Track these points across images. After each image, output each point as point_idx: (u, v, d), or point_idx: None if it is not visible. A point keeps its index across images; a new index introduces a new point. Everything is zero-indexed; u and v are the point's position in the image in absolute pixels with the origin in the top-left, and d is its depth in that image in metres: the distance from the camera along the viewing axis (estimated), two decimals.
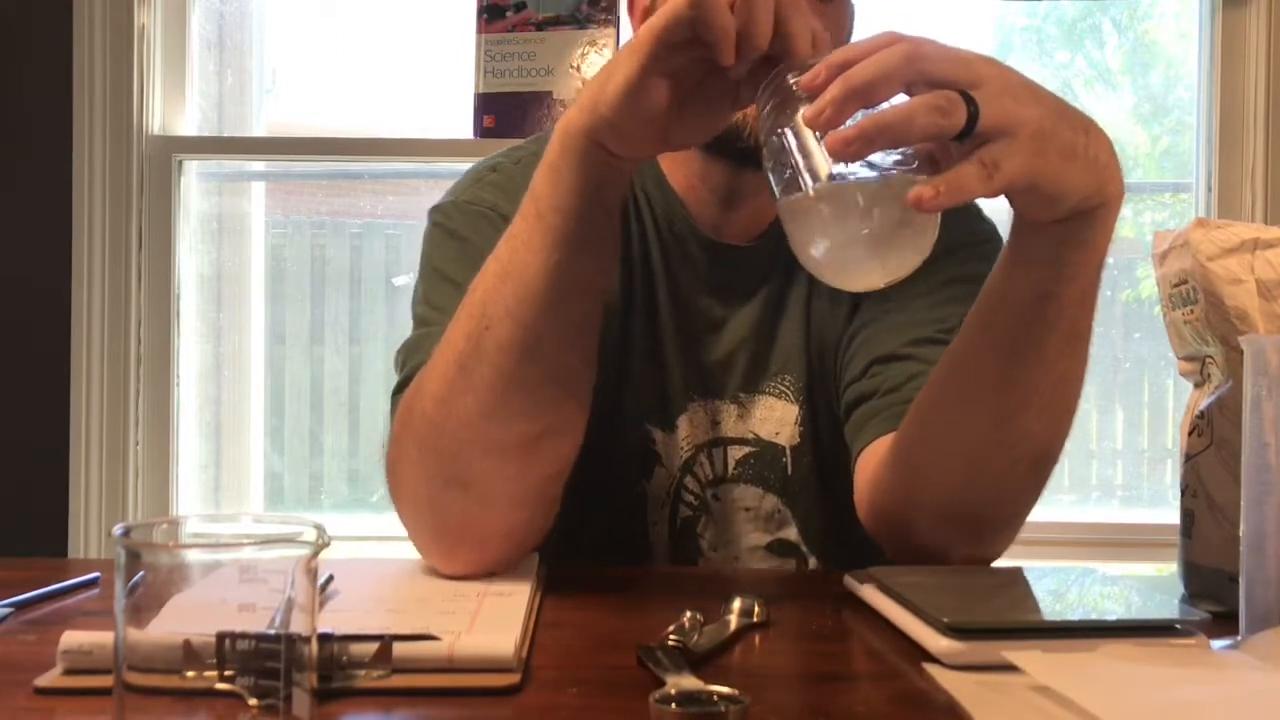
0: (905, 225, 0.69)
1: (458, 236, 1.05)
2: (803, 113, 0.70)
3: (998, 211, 1.18)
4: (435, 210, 1.10)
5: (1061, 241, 0.78)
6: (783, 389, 1.12)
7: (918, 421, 0.92)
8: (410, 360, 0.98)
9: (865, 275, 0.72)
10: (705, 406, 1.11)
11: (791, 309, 1.12)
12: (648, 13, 1.03)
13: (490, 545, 0.90)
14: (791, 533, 1.11)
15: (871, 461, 0.98)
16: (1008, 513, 0.93)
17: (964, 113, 0.68)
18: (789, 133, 0.72)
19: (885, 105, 0.69)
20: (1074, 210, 0.75)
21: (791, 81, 0.73)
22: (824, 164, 0.70)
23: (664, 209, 1.12)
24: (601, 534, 1.09)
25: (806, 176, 0.70)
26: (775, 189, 0.74)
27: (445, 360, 0.87)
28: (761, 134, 0.76)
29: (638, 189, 1.12)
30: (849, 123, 0.68)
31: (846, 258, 0.71)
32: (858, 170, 0.69)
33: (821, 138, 0.70)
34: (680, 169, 1.12)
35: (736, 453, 1.11)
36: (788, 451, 1.11)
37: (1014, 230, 0.81)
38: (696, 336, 1.11)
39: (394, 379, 1.02)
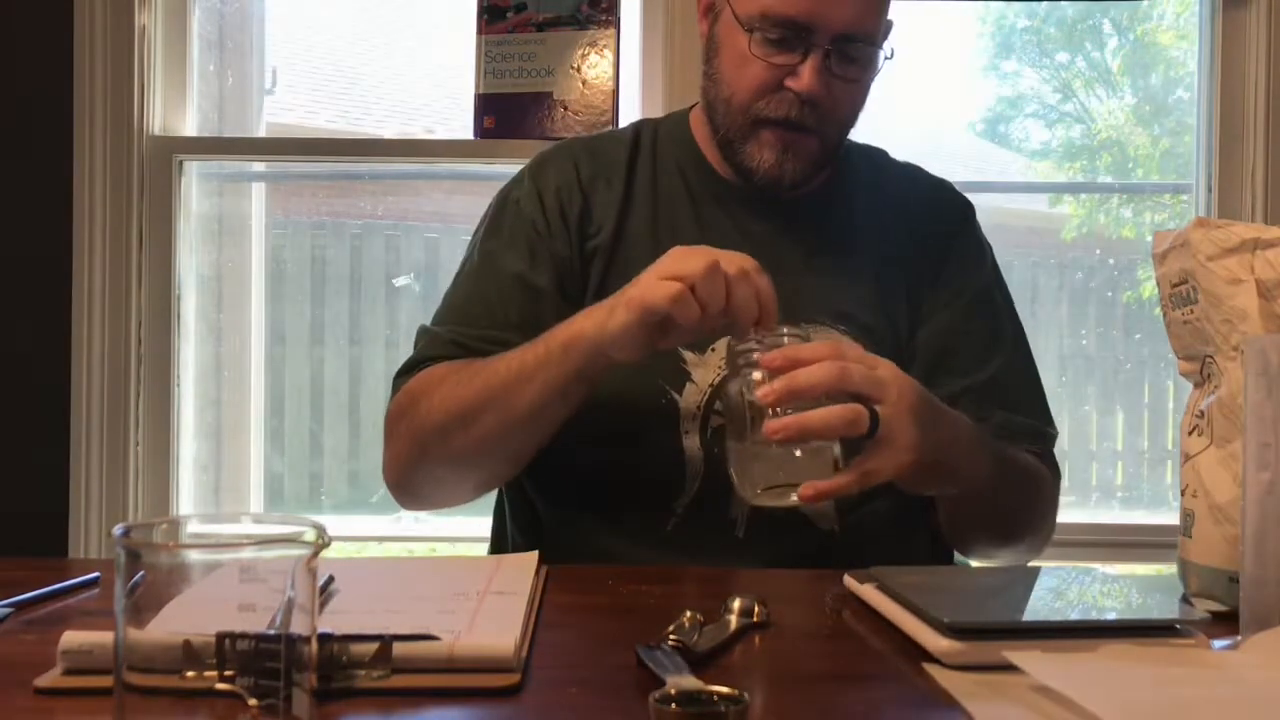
0: (808, 480, 0.96)
1: (492, 233, 1.27)
2: (758, 389, 0.96)
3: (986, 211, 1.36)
4: (507, 185, 1.31)
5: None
6: (839, 331, 1.20)
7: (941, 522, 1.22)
8: (422, 349, 1.21)
9: (779, 503, 0.99)
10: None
11: (852, 256, 1.24)
12: (709, 9, 1.24)
13: (444, 505, 1.26)
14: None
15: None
16: (1029, 532, 1.25)
17: (867, 424, 0.95)
18: (745, 393, 0.98)
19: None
20: None
21: (753, 345, 0.99)
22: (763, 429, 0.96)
23: (700, 171, 1.28)
24: (637, 442, 1.18)
25: (750, 432, 0.98)
26: (727, 425, 1.02)
27: (451, 406, 1.12)
28: (727, 374, 1.04)
29: (672, 162, 1.30)
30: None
31: (764, 494, 0.99)
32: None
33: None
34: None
35: None
36: None
37: None
38: None
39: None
